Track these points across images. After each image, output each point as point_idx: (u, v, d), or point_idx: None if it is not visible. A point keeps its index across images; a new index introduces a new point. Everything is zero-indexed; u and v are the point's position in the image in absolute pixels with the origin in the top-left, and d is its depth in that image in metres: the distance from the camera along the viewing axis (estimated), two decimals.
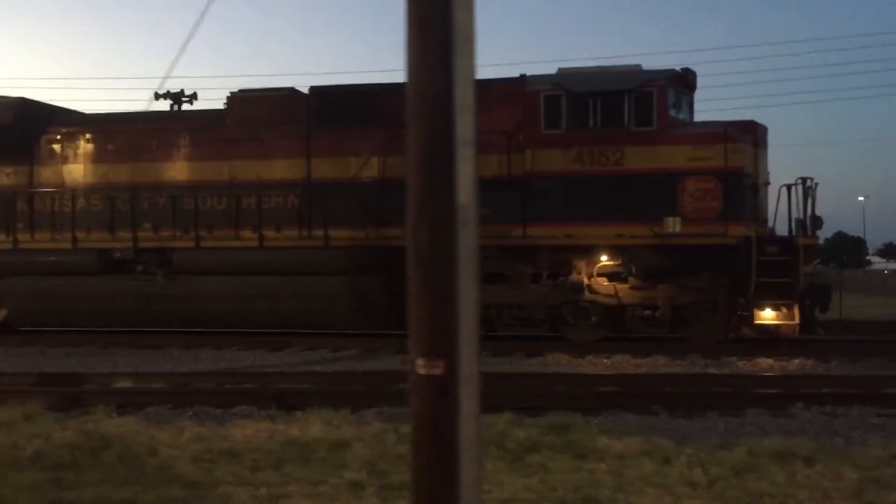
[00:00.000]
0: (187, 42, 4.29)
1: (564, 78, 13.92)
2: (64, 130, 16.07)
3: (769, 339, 13.43)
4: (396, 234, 14.51)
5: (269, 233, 14.88)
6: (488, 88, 14.58)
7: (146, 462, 7.20)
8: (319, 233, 14.72)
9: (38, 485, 6.68)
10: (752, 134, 13.75)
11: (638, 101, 13.33)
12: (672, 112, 13.66)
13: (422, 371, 3.91)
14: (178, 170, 15.35)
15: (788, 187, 13.99)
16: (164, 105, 16.48)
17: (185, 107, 16.75)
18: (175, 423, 8.53)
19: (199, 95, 16.80)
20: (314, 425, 8.32)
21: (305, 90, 15.50)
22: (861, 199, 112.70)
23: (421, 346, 3.90)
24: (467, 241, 3.94)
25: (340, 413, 8.74)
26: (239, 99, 15.31)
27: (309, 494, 6.39)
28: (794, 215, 13.98)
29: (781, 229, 14.35)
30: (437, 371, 3.89)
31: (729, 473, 6.72)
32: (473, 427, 3.95)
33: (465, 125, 3.90)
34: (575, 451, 7.30)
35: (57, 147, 15.94)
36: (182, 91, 16.52)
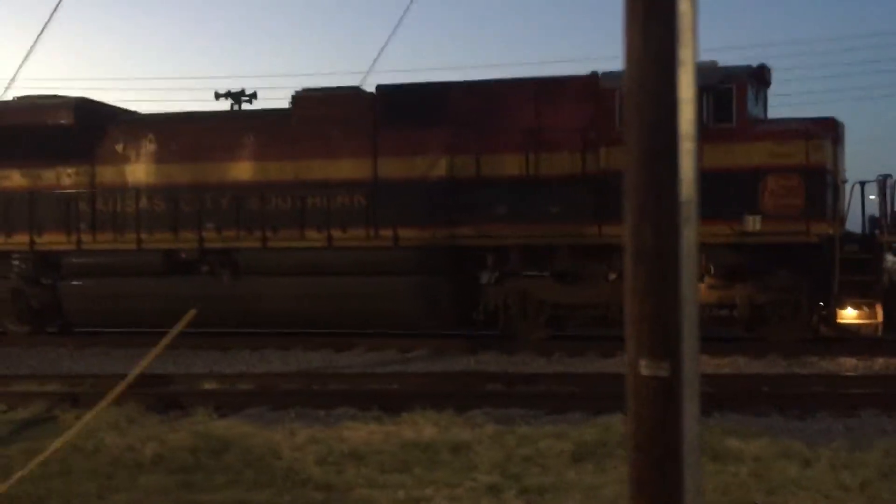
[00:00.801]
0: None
1: None
2: (125, 130, 15.97)
3: (851, 338, 13.20)
4: (465, 233, 14.37)
5: (336, 233, 14.73)
6: (561, 86, 14.45)
7: (271, 465, 7.06)
8: (387, 233, 14.56)
9: (167, 488, 6.55)
10: (832, 131, 13.51)
11: (717, 98, 13.11)
12: (750, 109, 13.44)
13: (646, 372, 3.76)
14: (242, 169, 15.22)
15: (862, 184, 13.76)
16: (225, 105, 16.40)
17: (245, 106, 16.67)
18: (282, 425, 8.40)
19: (257, 94, 16.72)
20: (425, 427, 8.17)
21: (367, 89, 15.37)
22: None
23: (645, 347, 3.74)
24: (690, 239, 3.81)
25: (445, 414, 8.61)
26: (304, 98, 15.17)
27: (448, 497, 6.23)
28: (867, 213, 13.77)
29: (853, 227, 14.14)
30: (663, 372, 3.74)
31: (875, 476, 6.52)
32: (696, 430, 3.79)
33: (687, 119, 3.75)
34: (708, 453, 7.11)
35: (118, 147, 15.84)
36: (242, 90, 16.43)
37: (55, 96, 16.47)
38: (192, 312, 5.13)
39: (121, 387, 5.45)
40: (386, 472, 6.85)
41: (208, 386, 10.63)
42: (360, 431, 8.04)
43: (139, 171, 15.69)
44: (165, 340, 5.32)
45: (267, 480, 6.66)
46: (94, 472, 6.80)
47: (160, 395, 9.64)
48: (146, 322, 15.73)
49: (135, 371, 5.79)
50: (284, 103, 16.31)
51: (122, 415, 8.79)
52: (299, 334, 15.48)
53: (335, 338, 15.03)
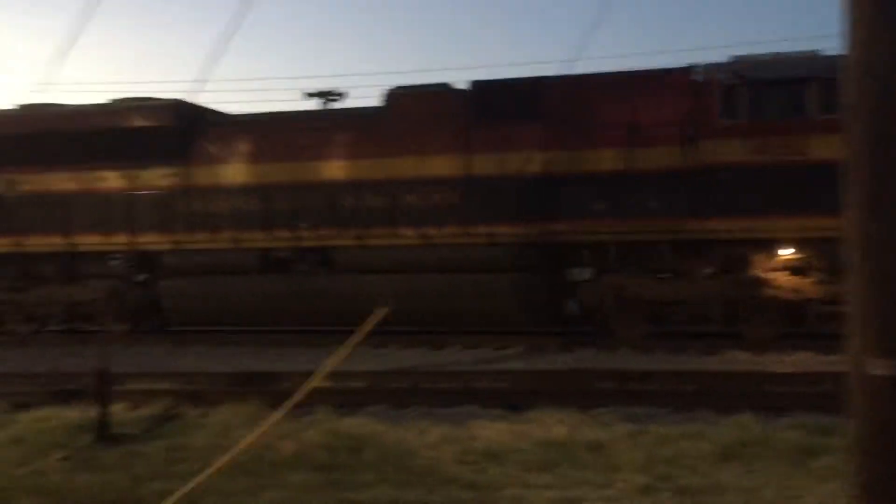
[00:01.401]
0: None
1: (743, 66, 13.43)
2: (220, 131, 16.20)
3: None
4: (561, 229, 14.25)
5: (430, 230, 14.73)
6: (656, 78, 14.22)
7: (410, 463, 7.06)
8: (481, 230, 14.51)
9: (315, 486, 6.58)
10: None
11: (823, 88, 12.77)
12: None
13: (876, 372, 3.63)
14: (336, 168, 15.30)
15: None
16: (315, 104, 16.52)
17: (334, 105, 16.77)
18: (409, 423, 8.38)
19: (343, 93, 16.82)
20: (553, 425, 8.09)
21: (455, 85, 15.34)
22: None
23: (877, 346, 3.61)
24: None
25: (569, 413, 8.51)
26: (397, 95, 15.21)
27: (603, 498, 6.14)
28: None
29: None
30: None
31: None
32: None
33: None
34: None
35: (213, 148, 16.07)
36: (332, 90, 16.54)
37: (152, 98, 16.78)
38: (383, 310, 5.11)
39: (312, 382, 5.46)
40: (529, 471, 6.79)
41: (322, 384, 10.66)
42: (489, 430, 7.99)
43: (234, 171, 15.89)
44: (356, 338, 5.31)
45: (411, 479, 6.65)
46: (240, 470, 6.86)
47: (278, 393, 9.70)
48: (242, 320, 16.01)
49: (324, 368, 5.80)
50: (372, 101, 16.41)
51: (246, 413, 8.90)
52: (392, 333, 15.51)
53: (428, 336, 15.03)
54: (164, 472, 6.98)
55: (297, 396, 5.88)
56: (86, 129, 16.66)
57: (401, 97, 15.16)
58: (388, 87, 15.42)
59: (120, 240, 16.31)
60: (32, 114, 17.20)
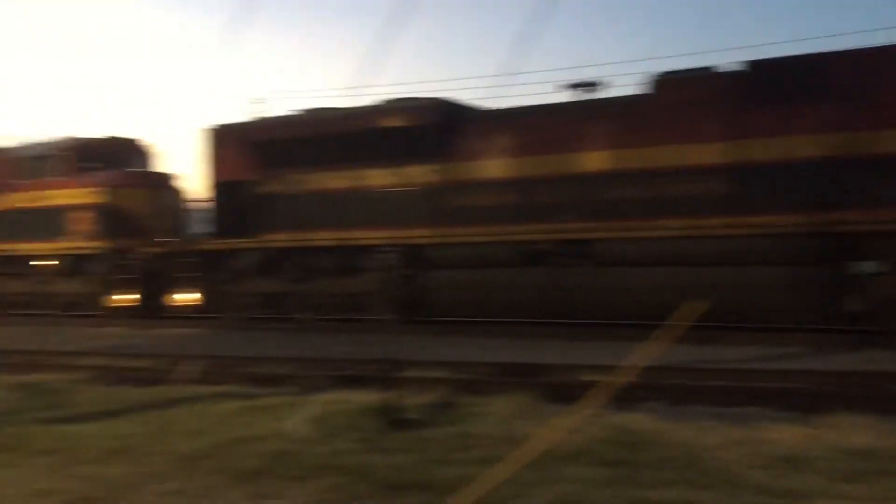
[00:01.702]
0: None
1: None
2: (479, 126, 16.56)
3: None
4: (847, 218, 13.14)
5: (695, 221, 14.15)
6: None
7: (699, 464, 6.76)
8: (753, 220, 13.72)
9: (602, 481, 6.46)
10: None
11: None
12: None
13: None
14: (596, 159, 15.12)
15: None
16: (571, 96, 16.40)
17: (591, 95, 16.56)
18: (690, 422, 8.07)
19: (600, 83, 16.55)
20: (854, 432, 7.44)
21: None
22: None
23: None
24: None
25: (865, 417, 7.80)
26: (662, 81, 14.75)
27: None
28: None
29: None
30: None
31: None
32: None
33: None
34: None
35: (472, 143, 16.46)
36: (589, 80, 16.34)
37: (415, 98, 17.49)
38: (701, 304, 4.93)
39: (622, 376, 5.37)
40: (835, 482, 6.26)
41: (590, 377, 10.56)
42: (779, 433, 7.50)
43: (493, 165, 16.19)
44: (671, 332, 5.19)
45: (703, 480, 6.35)
46: (523, 461, 6.91)
47: (548, 385, 9.73)
48: (503, 312, 16.26)
49: (634, 362, 5.71)
50: (630, 90, 16.01)
51: (520, 403, 9.00)
52: (649, 326, 15.09)
53: (695, 331, 14.43)
54: (455, 458, 7.16)
55: (604, 391, 5.80)
56: (354, 130, 17.70)
57: (666, 83, 14.68)
58: (652, 74, 15.00)
59: (388, 234, 17.16)
60: (310, 118, 18.53)
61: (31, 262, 21.84)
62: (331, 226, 17.70)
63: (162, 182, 21.96)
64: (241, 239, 18.83)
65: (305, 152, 18.00)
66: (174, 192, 22.01)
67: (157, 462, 7.45)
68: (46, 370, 12.46)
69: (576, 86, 16.39)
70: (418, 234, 16.84)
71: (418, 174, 16.91)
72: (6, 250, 22.15)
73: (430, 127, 16.70)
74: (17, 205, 21.96)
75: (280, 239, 18.30)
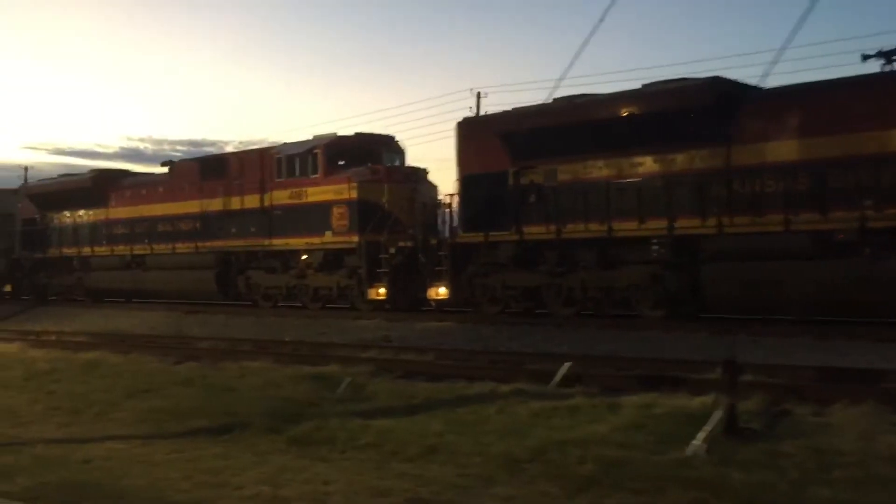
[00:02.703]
0: None
1: None
2: (761, 106, 15.08)
3: None
4: None
5: None
6: None
7: None
8: None
9: None
10: None
11: None
12: None
13: None
14: None
15: None
16: (873, 67, 14.54)
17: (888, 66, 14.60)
18: None
19: None
20: None
21: None
22: None
23: None
24: None
25: None
26: None
27: None
28: None
29: None
30: None
31: None
32: None
33: None
34: None
35: (755, 124, 15.01)
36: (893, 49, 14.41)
37: (688, 78, 16.26)
38: None
39: None
40: None
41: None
42: None
43: (779, 148, 14.66)
44: None
45: None
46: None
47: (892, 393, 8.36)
48: (791, 310, 14.65)
49: None
50: None
51: (863, 413, 7.77)
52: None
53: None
54: (821, 479, 6.13)
55: None
56: (618, 116, 16.73)
57: None
58: None
59: (656, 225, 16.06)
60: (566, 106, 17.72)
61: (302, 258, 22.58)
62: (592, 217, 16.84)
63: (415, 177, 22.06)
64: (496, 232, 18.40)
65: (563, 141, 17.24)
66: (427, 187, 22.04)
67: (478, 463, 6.96)
68: (328, 362, 12.52)
69: (876, 55, 14.51)
70: (691, 225, 15.60)
71: (691, 160, 15.67)
72: (270, 245, 23.15)
73: (708, 108, 15.37)
74: (278, 202, 22.85)
75: (539, 231, 17.68)
